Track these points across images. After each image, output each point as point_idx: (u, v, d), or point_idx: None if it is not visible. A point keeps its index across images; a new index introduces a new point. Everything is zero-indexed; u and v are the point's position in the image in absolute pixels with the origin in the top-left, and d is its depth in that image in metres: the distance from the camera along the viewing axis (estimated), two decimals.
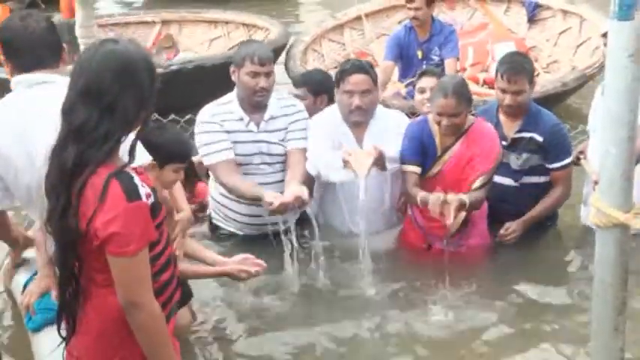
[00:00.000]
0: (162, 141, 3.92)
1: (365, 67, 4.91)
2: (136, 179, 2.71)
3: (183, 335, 4.07)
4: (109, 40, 2.79)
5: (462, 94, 4.59)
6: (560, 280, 4.78)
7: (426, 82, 5.27)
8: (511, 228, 4.86)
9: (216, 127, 4.89)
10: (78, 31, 5.90)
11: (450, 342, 4.23)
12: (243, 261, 4.14)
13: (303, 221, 5.06)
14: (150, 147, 3.79)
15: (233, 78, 4.93)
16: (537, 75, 7.98)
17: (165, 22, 9.40)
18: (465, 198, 4.54)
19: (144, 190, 2.70)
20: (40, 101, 3.40)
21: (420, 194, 4.62)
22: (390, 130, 4.95)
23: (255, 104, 4.88)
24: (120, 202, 2.63)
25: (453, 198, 4.47)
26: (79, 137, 2.66)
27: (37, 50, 3.50)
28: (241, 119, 4.91)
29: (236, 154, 4.90)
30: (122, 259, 2.67)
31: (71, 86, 2.72)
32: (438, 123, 4.64)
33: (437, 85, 4.72)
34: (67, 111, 2.69)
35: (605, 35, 4.75)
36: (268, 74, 4.84)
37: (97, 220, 2.62)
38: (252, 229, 5.06)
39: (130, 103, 2.68)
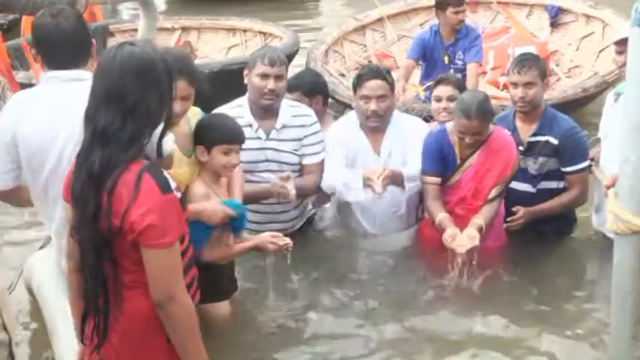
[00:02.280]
0: (206, 123, 4.06)
1: (381, 73, 4.92)
2: (166, 173, 2.78)
3: (222, 326, 4.16)
4: (126, 42, 2.84)
5: (485, 113, 4.58)
6: (576, 287, 4.76)
7: (442, 90, 5.22)
8: (519, 213, 4.78)
9: None
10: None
11: (462, 341, 4.24)
12: (272, 237, 4.18)
13: (308, 224, 5.22)
14: (196, 131, 4.00)
15: (245, 81, 4.92)
16: (558, 80, 7.98)
17: (184, 29, 9.44)
18: (481, 222, 4.59)
19: (173, 183, 2.77)
20: (71, 98, 3.40)
21: (439, 217, 4.69)
22: (407, 142, 4.96)
23: (263, 107, 4.83)
24: (154, 194, 2.68)
25: (472, 233, 4.52)
26: (104, 140, 2.70)
27: (68, 48, 3.53)
28: (250, 125, 4.86)
29: (241, 161, 4.88)
30: (159, 251, 2.71)
31: (93, 91, 2.77)
32: (461, 139, 4.65)
33: (458, 103, 4.67)
34: (91, 115, 2.74)
35: (617, 43, 4.77)
36: (278, 77, 4.80)
37: (132, 213, 2.67)
38: (259, 229, 4.89)
39: (152, 102, 2.74)
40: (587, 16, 8.58)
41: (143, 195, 2.67)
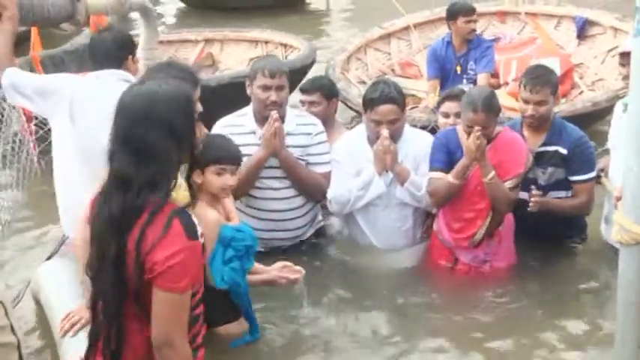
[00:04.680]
0: (202, 144, 3.98)
1: (393, 97, 4.85)
2: (194, 218, 2.81)
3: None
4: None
5: (491, 107, 4.60)
6: (583, 299, 4.75)
7: (450, 107, 5.23)
8: (536, 197, 4.70)
9: None
10: (140, 53, 5.85)
11: (470, 356, 4.23)
12: (282, 269, 4.24)
13: (317, 237, 5.25)
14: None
15: (248, 92, 4.99)
16: (581, 93, 7.91)
17: (207, 41, 9.47)
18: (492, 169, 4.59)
19: (200, 229, 2.82)
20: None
21: (450, 175, 4.69)
22: (417, 157, 4.97)
23: (267, 117, 4.86)
24: (180, 239, 2.72)
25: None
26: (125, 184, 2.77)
27: (100, 56, 4.45)
28: (253, 132, 4.93)
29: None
30: (170, 295, 2.74)
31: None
32: (468, 134, 4.63)
33: (465, 98, 4.71)
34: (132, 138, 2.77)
35: (623, 55, 4.76)
36: (280, 88, 4.87)
37: (157, 253, 2.70)
38: (261, 244, 4.77)
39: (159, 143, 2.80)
40: (615, 29, 8.47)
41: (170, 238, 2.71)
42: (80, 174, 4.22)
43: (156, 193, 2.73)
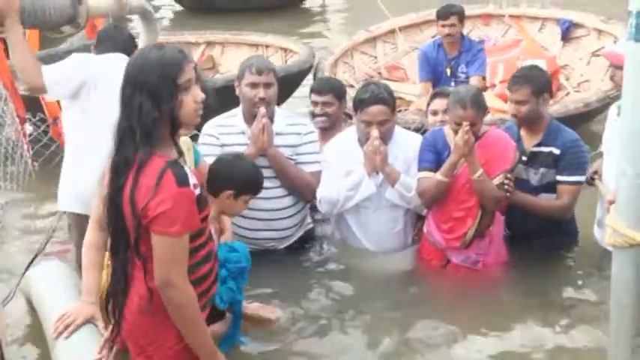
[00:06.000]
0: (242, 172, 4.20)
1: (382, 98, 4.86)
2: (187, 169, 3.02)
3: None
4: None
5: (479, 104, 4.65)
6: (576, 301, 4.74)
7: (439, 104, 5.24)
8: (510, 183, 4.74)
9: (212, 140, 4.98)
10: None
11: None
12: (258, 309, 4.30)
13: (306, 239, 5.25)
14: (230, 177, 4.13)
15: (237, 91, 5.02)
16: (567, 94, 7.97)
17: (209, 44, 9.54)
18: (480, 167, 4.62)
19: (192, 180, 3.00)
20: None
21: (437, 175, 4.71)
22: (407, 160, 4.97)
23: (255, 116, 4.89)
24: (171, 186, 2.92)
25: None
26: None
27: (117, 43, 4.91)
28: (242, 133, 4.96)
29: None
30: (165, 238, 2.96)
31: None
32: (456, 131, 4.65)
33: (452, 95, 4.74)
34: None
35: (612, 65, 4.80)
36: (267, 85, 4.90)
37: (149, 200, 2.92)
38: (250, 244, 4.79)
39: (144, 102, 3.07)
40: (599, 31, 8.55)
41: (162, 186, 2.92)
42: (89, 152, 4.51)
43: (141, 147, 2.96)
